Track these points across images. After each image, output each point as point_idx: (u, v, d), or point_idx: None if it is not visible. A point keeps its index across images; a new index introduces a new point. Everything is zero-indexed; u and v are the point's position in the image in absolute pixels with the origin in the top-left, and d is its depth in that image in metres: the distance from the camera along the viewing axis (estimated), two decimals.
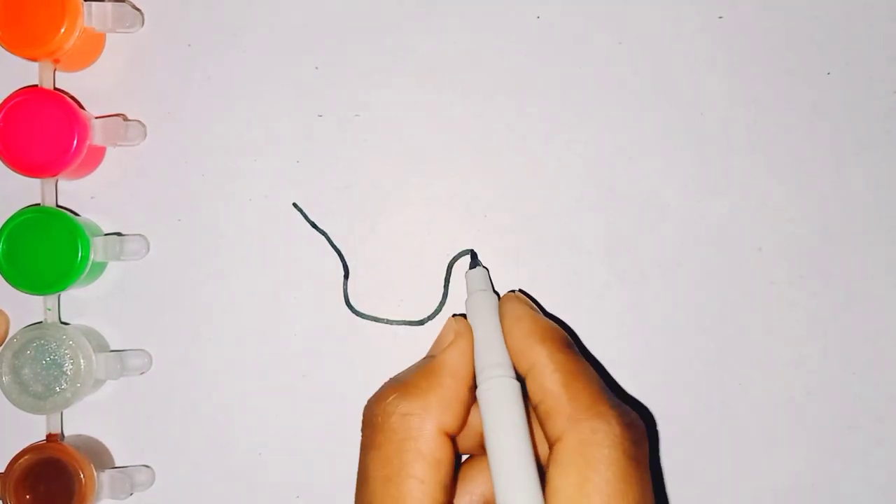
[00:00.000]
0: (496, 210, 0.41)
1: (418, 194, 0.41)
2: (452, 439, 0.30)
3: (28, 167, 0.39)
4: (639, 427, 0.29)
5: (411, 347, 0.41)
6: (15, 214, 0.39)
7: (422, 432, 0.29)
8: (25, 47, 0.39)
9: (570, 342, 0.32)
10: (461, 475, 0.33)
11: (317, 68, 0.42)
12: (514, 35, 0.41)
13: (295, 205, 0.41)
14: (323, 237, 0.41)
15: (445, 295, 0.41)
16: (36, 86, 0.40)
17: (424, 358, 0.34)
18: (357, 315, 0.41)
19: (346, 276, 0.41)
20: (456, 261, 0.41)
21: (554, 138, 0.41)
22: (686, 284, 0.40)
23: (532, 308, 0.34)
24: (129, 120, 0.42)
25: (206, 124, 0.42)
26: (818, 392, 0.40)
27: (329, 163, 0.41)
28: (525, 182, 0.41)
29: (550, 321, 0.33)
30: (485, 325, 0.33)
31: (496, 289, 0.40)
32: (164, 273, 0.42)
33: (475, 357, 0.32)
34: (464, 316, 0.35)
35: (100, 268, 0.41)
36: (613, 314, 0.40)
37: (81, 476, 0.39)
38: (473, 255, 0.39)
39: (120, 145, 0.41)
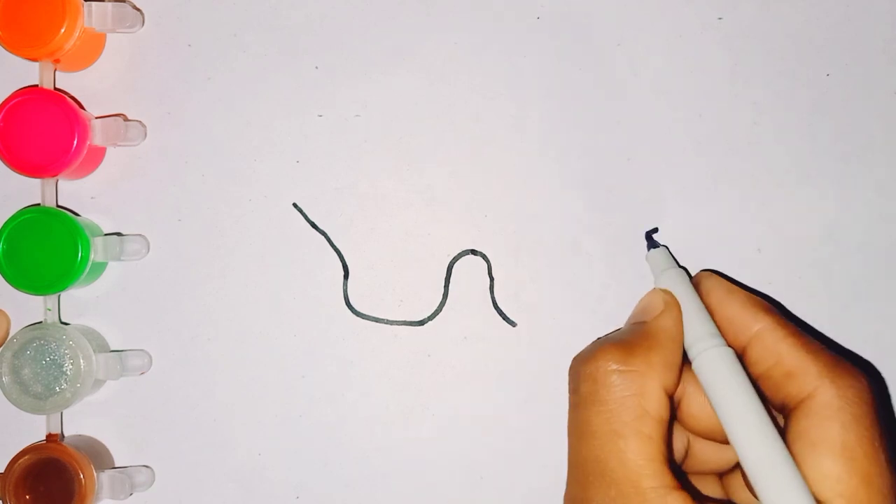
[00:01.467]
0: (496, 210, 0.41)
1: (418, 194, 0.41)
2: (671, 400, 0.31)
3: (28, 167, 0.39)
4: (874, 383, 0.30)
5: (411, 347, 0.41)
6: (15, 214, 0.39)
7: (646, 388, 0.30)
8: (26, 47, 0.39)
9: (780, 312, 0.33)
10: None
11: (317, 68, 0.42)
12: (514, 35, 0.41)
13: (295, 205, 0.41)
14: (323, 237, 0.41)
15: (445, 295, 0.41)
16: (36, 86, 0.40)
17: (631, 324, 0.34)
18: (357, 315, 0.41)
19: (346, 276, 0.41)
20: (456, 261, 0.41)
21: (554, 138, 0.41)
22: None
23: (733, 284, 0.34)
24: (129, 120, 0.42)
25: (206, 124, 0.42)
26: None
27: (329, 163, 0.41)
28: (525, 182, 0.41)
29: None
30: (687, 299, 0.33)
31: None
32: (164, 273, 0.42)
33: (686, 329, 0.33)
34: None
35: (100, 268, 0.41)
36: (613, 314, 0.40)
37: (81, 476, 0.39)
38: (649, 236, 0.39)
39: (120, 145, 0.41)
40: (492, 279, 0.41)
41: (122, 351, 0.41)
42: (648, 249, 0.38)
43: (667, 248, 0.38)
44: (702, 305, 0.33)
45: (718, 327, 0.32)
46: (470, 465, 0.41)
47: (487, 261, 0.41)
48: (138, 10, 0.42)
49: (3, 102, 0.39)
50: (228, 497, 0.41)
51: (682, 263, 0.40)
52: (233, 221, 0.41)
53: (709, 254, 0.40)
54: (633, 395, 0.30)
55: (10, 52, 0.39)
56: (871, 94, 0.40)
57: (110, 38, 0.42)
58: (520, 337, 0.40)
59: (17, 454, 0.39)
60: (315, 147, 0.41)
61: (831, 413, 0.29)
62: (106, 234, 0.41)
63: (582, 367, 0.31)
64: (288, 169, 0.41)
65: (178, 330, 0.41)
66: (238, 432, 0.41)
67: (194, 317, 0.41)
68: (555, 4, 0.41)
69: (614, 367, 0.30)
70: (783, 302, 0.40)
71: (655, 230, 0.40)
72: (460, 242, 0.41)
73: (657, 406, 0.30)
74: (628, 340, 0.31)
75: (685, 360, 0.32)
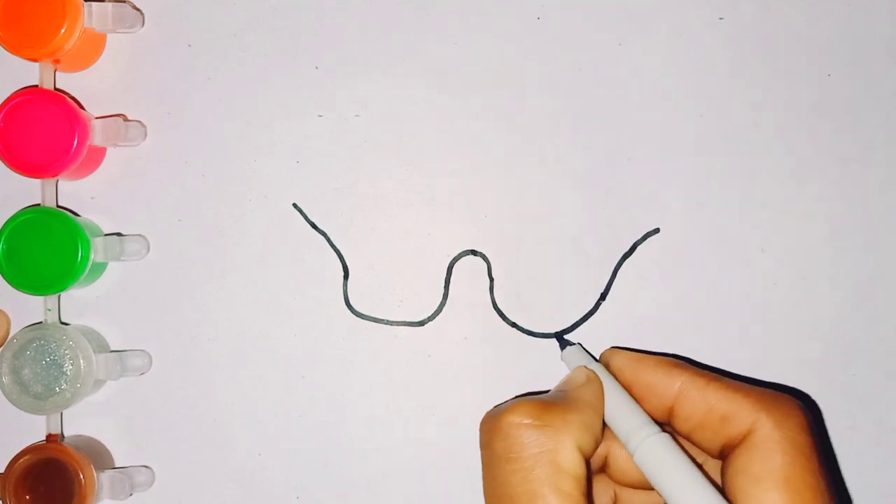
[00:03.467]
0: (496, 210, 0.41)
1: (418, 194, 0.41)
2: (588, 463, 0.30)
3: (28, 167, 0.39)
4: (804, 409, 0.30)
5: (411, 347, 0.41)
6: (15, 214, 0.39)
7: (561, 445, 0.29)
8: (26, 47, 0.39)
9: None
10: None
11: (317, 68, 0.42)
12: (514, 35, 0.41)
13: (295, 205, 0.41)
14: (323, 237, 0.41)
15: (446, 295, 0.41)
16: (36, 86, 0.40)
17: (552, 392, 0.33)
18: (357, 315, 0.41)
19: (346, 277, 0.41)
20: (456, 261, 0.41)
21: (554, 138, 0.41)
22: (686, 285, 0.40)
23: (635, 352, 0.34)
24: (129, 120, 0.42)
25: (206, 124, 0.42)
26: (819, 393, 0.40)
27: (329, 163, 0.41)
28: (525, 182, 0.41)
29: None
30: (612, 391, 0.33)
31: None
32: (164, 273, 0.42)
33: (617, 421, 0.32)
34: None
35: (100, 268, 0.41)
36: (613, 314, 0.40)
37: (81, 476, 0.39)
38: (559, 337, 0.39)
39: (120, 145, 0.41)
40: (492, 279, 0.41)
41: (122, 351, 0.41)
42: (562, 349, 0.37)
43: (580, 345, 0.37)
44: (628, 396, 0.33)
45: (640, 398, 0.32)
46: (470, 466, 0.40)
47: (487, 261, 0.41)
48: (138, 10, 0.42)
49: (3, 102, 0.39)
50: (228, 497, 0.41)
51: (682, 264, 0.40)
52: (233, 221, 0.41)
53: (709, 254, 0.40)
54: (548, 451, 0.29)
55: (10, 52, 0.39)
56: (872, 94, 0.40)
57: (110, 38, 0.42)
58: (519, 337, 0.40)
59: (17, 454, 0.39)
60: (315, 147, 0.41)
61: (772, 445, 0.28)
62: (106, 235, 0.41)
63: (494, 423, 0.30)
64: (288, 169, 0.41)
65: (178, 330, 0.41)
66: (238, 432, 0.41)
67: (194, 317, 0.41)
68: (555, 4, 0.41)
69: (528, 421, 0.29)
70: (785, 303, 0.40)
71: (657, 230, 0.40)
72: (460, 242, 0.41)
73: (573, 464, 0.29)
74: (544, 399, 0.31)
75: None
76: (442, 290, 0.41)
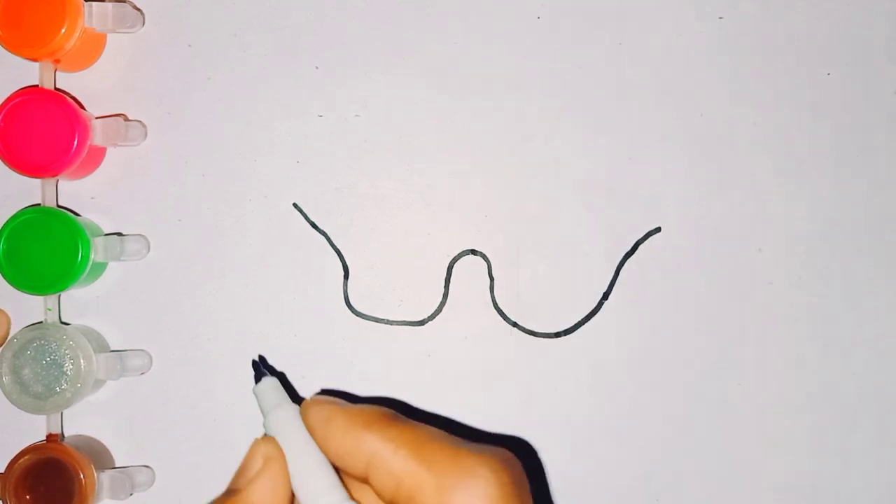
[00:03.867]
0: (496, 210, 0.41)
1: (418, 194, 0.41)
2: None
3: (28, 167, 0.39)
4: (511, 463, 0.27)
5: (411, 347, 0.41)
6: (15, 214, 0.39)
7: None
8: (26, 47, 0.39)
9: (394, 414, 0.28)
10: None
11: (317, 68, 0.42)
12: (514, 35, 0.41)
13: (295, 205, 0.41)
14: (323, 237, 0.41)
15: (446, 295, 0.41)
16: (36, 86, 0.40)
17: (226, 492, 0.29)
18: (357, 315, 0.41)
19: (346, 276, 0.41)
20: (456, 261, 0.41)
21: (554, 138, 0.41)
22: (686, 285, 0.40)
23: (337, 403, 0.29)
24: (130, 120, 0.42)
25: (206, 124, 0.42)
26: (818, 393, 0.40)
27: (329, 163, 0.41)
28: (525, 182, 0.41)
29: (362, 405, 0.29)
30: (297, 445, 0.28)
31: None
32: (164, 273, 0.42)
33: (300, 487, 0.28)
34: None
35: (100, 268, 0.41)
36: (613, 315, 0.40)
37: (81, 476, 0.39)
38: (256, 365, 0.32)
39: (120, 145, 0.41)
40: (492, 279, 0.41)
41: (122, 351, 0.41)
42: (256, 381, 0.31)
43: (278, 378, 0.32)
44: (316, 449, 0.28)
45: (336, 464, 0.28)
46: None
47: (487, 261, 0.41)
48: (138, 10, 0.42)
49: (4, 102, 0.39)
50: None
51: (681, 264, 0.40)
52: (233, 221, 0.41)
53: (708, 254, 0.40)
54: None
55: (11, 52, 0.39)
56: (871, 94, 0.40)
57: (110, 38, 0.42)
58: (520, 337, 0.40)
59: (18, 454, 0.39)
60: (315, 147, 0.41)
61: None
62: (106, 234, 0.41)
63: None
64: (288, 169, 0.41)
65: (178, 330, 0.41)
66: (238, 432, 0.41)
67: (194, 317, 0.41)
68: (555, 4, 0.41)
69: None
70: (783, 302, 0.40)
71: (658, 230, 0.40)
72: (460, 242, 0.41)
73: None
74: None
75: None
76: (442, 290, 0.41)
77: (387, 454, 0.26)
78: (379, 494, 0.27)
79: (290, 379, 0.41)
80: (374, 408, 0.28)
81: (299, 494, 0.28)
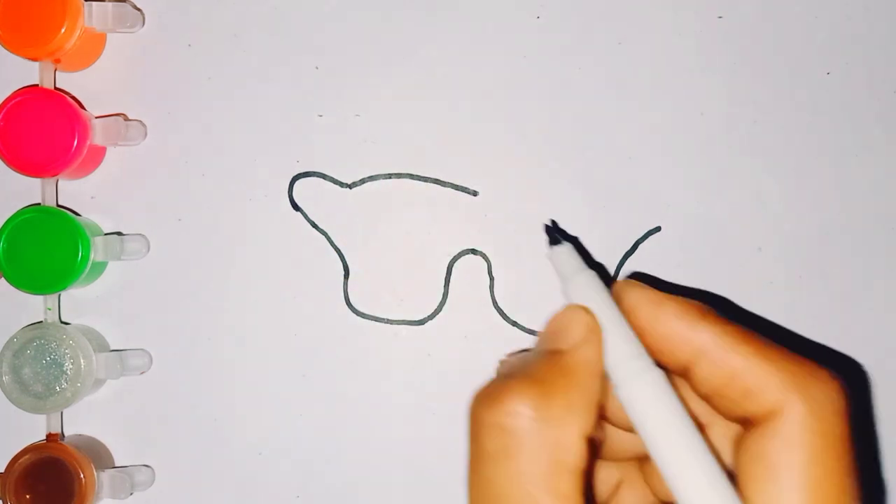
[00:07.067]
0: (496, 210, 0.41)
1: (418, 194, 0.41)
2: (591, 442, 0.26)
3: (28, 167, 0.39)
4: (846, 389, 0.26)
5: (411, 347, 0.41)
6: (15, 214, 0.39)
7: (564, 438, 0.25)
8: (26, 47, 0.39)
9: (720, 313, 0.28)
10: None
11: (317, 68, 0.42)
12: (514, 35, 0.41)
13: (295, 205, 0.41)
14: (323, 237, 0.41)
15: (445, 295, 0.41)
16: (36, 86, 0.40)
17: (545, 352, 0.28)
18: (357, 315, 0.41)
19: (346, 276, 0.41)
20: (456, 261, 0.41)
21: (554, 138, 0.41)
22: (686, 285, 0.40)
23: (659, 291, 0.29)
24: (130, 120, 0.42)
25: (206, 124, 0.42)
26: None
27: (329, 163, 0.41)
28: (525, 182, 0.41)
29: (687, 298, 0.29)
30: (606, 312, 0.28)
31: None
32: (164, 273, 0.42)
33: (607, 352, 0.28)
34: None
35: (100, 268, 0.41)
36: None
37: (81, 476, 0.39)
38: (550, 230, 0.31)
39: (120, 145, 0.41)
40: (492, 279, 0.41)
41: (122, 350, 0.41)
42: (550, 245, 0.30)
43: (572, 243, 0.31)
44: (622, 319, 0.28)
45: (653, 348, 0.28)
46: None
47: (487, 261, 0.41)
48: (138, 10, 0.42)
49: (4, 102, 0.39)
50: (228, 497, 0.41)
51: (681, 263, 0.40)
52: (233, 221, 0.41)
53: (708, 254, 0.40)
54: (549, 446, 0.25)
55: (11, 52, 0.39)
56: (871, 93, 0.40)
57: (110, 38, 0.42)
58: (519, 336, 0.40)
59: (18, 454, 0.39)
60: (315, 147, 0.41)
61: (799, 436, 0.24)
62: (106, 234, 0.41)
63: (487, 414, 0.26)
64: (288, 169, 0.41)
65: (178, 330, 0.41)
66: (238, 432, 0.41)
67: (194, 317, 0.41)
68: (555, 4, 0.41)
69: (527, 413, 0.25)
70: (782, 302, 0.40)
71: (658, 229, 0.40)
72: (460, 242, 0.41)
73: (576, 458, 0.25)
74: (543, 378, 0.26)
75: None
76: (442, 290, 0.41)
77: (725, 345, 0.26)
78: (696, 386, 0.27)
79: (289, 379, 0.41)
80: (704, 304, 0.28)
81: (607, 359, 0.27)
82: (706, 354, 0.26)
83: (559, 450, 0.25)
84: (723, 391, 0.26)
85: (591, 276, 0.29)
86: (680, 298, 0.28)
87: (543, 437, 0.25)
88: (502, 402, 0.25)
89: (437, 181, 0.41)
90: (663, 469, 0.26)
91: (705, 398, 0.27)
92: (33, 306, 0.41)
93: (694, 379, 0.27)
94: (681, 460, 0.25)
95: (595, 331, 0.28)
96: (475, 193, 0.39)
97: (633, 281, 0.29)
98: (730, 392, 0.26)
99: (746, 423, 0.26)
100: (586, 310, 0.28)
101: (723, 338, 0.26)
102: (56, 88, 0.40)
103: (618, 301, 0.29)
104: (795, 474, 0.24)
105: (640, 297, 0.28)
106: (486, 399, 0.26)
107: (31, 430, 0.41)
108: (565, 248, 0.30)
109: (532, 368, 0.27)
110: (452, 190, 0.41)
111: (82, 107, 0.42)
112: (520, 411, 0.25)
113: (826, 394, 0.25)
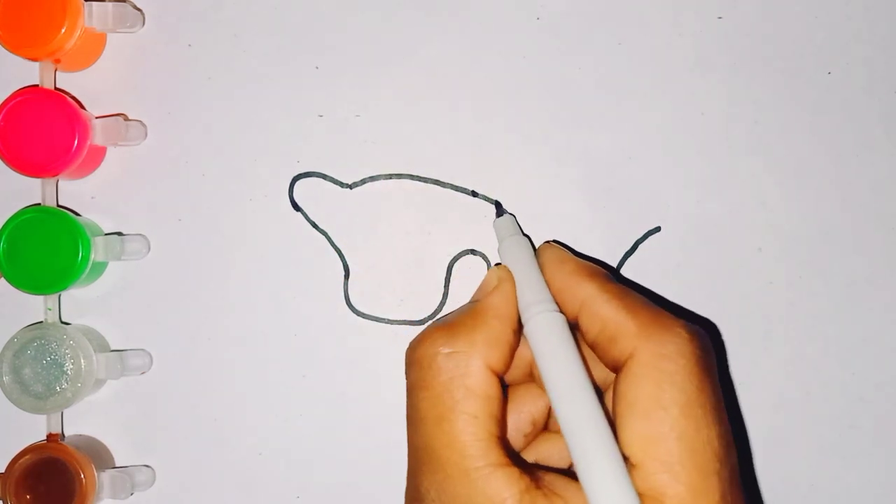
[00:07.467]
0: (496, 210, 0.41)
1: (418, 194, 0.41)
2: (500, 378, 0.31)
3: (28, 167, 0.39)
4: (704, 336, 0.30)
5: None
6: (15, 214, 0.39)
7: (469, 368, 0.30)
8: (26, 47, 0.39)
9: (612, 277, 0.32)
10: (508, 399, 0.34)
11: (317, 68, 0.42)
12: (514, 35, 0.41)
13: (295, 205, 0.41)
14: (323, 237, 0.41)
15: (446, 295, 0.41)
16: (36, 86, 0.40)
17: (467, 303, 0.34)
18: (357, 315, 0.41)
19: (347, 276, 0.41)
20: (456, 261, 0.41)
21: (554, 138, 0.41)
22: (685, 284, 0.40)
23: (570, 253, 0.34)
24: (130, 120, 0.42)
25: (206, 124, 0.42)
26: (818, 392, 0.40)
27: (329, 163, 0.41)
28: (525, 182, 0.41)
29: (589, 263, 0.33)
30: (524, 267, 0.33)
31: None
32: (164, 273, 0.42)
33: (518, 298, 0.32)
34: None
35: (100, 268, 0.41)
36: None
37: (81, 476, 0.39)
38: (498, 204, 0.39)
39: (120, 145, 0.41)
40: None
41: (122, 351, 0.41)
42: (497, 217, 0.38)
43: (514, 216, 0.38)
44: (538, 272, 0.33)
45: (554, 298, 0.32)
46: None
47: (487, 261, 0.41)
48: (138, 10, 0.42)
49: (4, 102, 0.39)
50: (228, 497, 0.41)
51: (681, 263, 0.40)
52: (233, 221, 0.41)
53: (708, 254, 0.40)
54: (457, 376, 0.30)
55: (11, 52, 0.39)
56: (871, 93, 0.40)
57: (110, 38, 0.42)
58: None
59: (18, 454, 0.39)
60: (315, 147, 0.41)
61: (647, 371, 0.28)
62: (106, 234, 0.41)
63: (410, 353, 0.31)
64: (288, 169, 0.41)
65: (178, 330, 0.41)
66: (238, 432, 0.41)
67: (194, 317, 0.41)
68: (555, 4, 0.41)
69: (439, 349, 0.30)
70: (782, 302, 0.40)
71: (658, 229, 0.40)
72: (460, 242, 0.41)
73: (482, 384, 0.30)
74: (454, 322, 0.31)
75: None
76: (442, 290, 0.41)
77: (601, 300, 0.31)
78: (584, 334, 0.31)
79: (290, 379, 0.41)
80: (599, 267, 0.33)
81: (520, 303, 0.32)
82: (587, 305, 0.31)
83: (466, 378, 0.30)
84: (598, 339, 0.31)
85: (519, 239, 0.35)
86: (582, 261, 0.33)
87: (451, 368, 0.30)
88: (421, 342, 0.31)
89: (437, 181, 0.41)
90: (550, 392, 0.30)
91: (591, 347, 0.31)
92: (33, 306, 0.41)
93: (581, 329, 0.31)
94: (564, 385, 0.29)
95: (504, 280, 0.33)
96: (475, 194, 0.40)
97: (552, 243, 0.35)
98: (602, 340, 0.30)
99: (616, 370, 0.30)
100: (501, 267, 0.34)
101: (600, 293, 0.31)
102: (56, 88, 0.40)
103: (538, 259, 0.34)
104: (644, 404, 0.28)
105: (550, 256, 0.34)
106: (412, 343, 0.32)
107: (32, 430, 0.41)
108: (506, 218, 0.38)
109: (449, 316, 0.32)
110: (452, 190, 0.41)
111: (82, 107, 0.42)
112: (433, 348, 0.30)
113: (671, 339, 0.29)
